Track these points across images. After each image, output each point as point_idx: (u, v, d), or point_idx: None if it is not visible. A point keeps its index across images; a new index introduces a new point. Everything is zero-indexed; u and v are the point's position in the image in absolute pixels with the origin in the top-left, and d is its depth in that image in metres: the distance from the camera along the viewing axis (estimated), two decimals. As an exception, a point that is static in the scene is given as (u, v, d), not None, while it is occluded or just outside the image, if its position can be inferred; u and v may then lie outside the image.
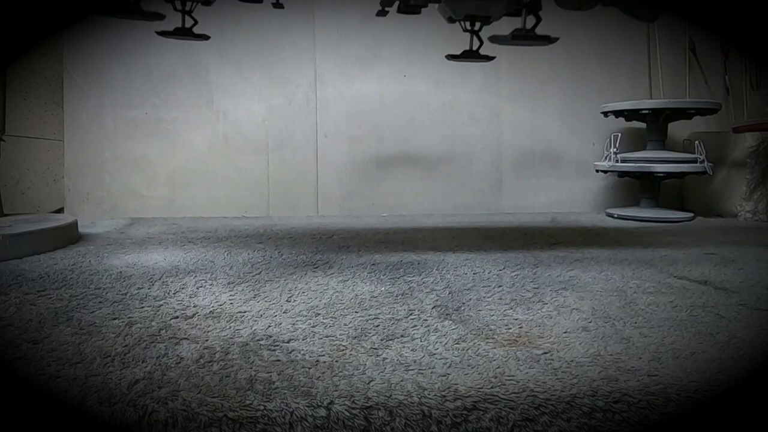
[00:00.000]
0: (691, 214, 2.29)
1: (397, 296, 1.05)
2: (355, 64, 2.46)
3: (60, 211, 2.30)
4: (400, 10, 1.20)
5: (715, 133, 2.48)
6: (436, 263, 1.33)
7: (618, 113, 2.35)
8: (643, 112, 2.25)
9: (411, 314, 0.94)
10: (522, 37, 1.03)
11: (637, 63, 2.65)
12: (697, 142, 2.25)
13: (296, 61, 2.41)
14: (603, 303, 1.02)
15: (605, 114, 2.41)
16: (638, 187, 2.44)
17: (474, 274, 1.24)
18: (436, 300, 1.03)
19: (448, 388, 0.65)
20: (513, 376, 0.69)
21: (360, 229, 1.93)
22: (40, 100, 2.30)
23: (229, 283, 1.13)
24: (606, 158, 2.34)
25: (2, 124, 1.93)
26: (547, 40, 1.02)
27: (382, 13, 1.31)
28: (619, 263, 1.36)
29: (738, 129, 2.38)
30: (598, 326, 0.89)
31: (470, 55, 1.30)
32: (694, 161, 2.22)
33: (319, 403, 0.61)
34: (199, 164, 2.35)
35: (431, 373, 0.70)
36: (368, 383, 0.66)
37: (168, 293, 1.05)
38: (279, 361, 0.73)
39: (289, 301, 1.01)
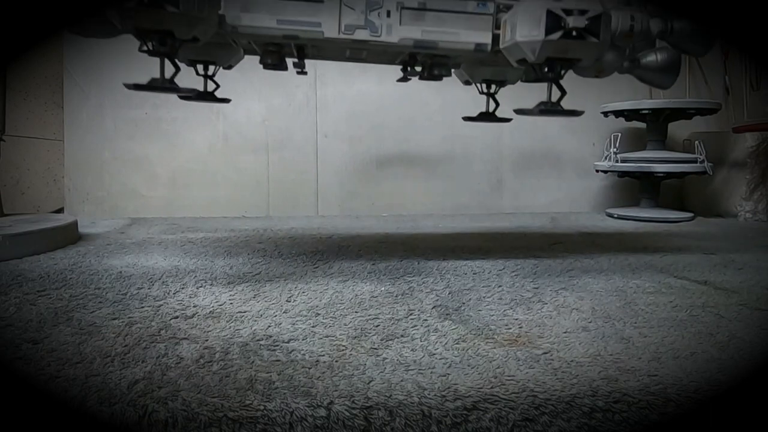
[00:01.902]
0: (691, 214, 2.29)
1: (397, 296, 1.05)
2: (355, 64, 2.45)
3: (60, 211, 2.30)
4: (422, 78, 1.23)
5: (715, 133, 2.48)
6: (436, 263, 1.33)
7: (618, 113, 2.35)
8: (643, 112, 2.25)
9: (411, 314, 0.94)
10: (549, 111, 1.04)
11: (637, 63, 2.65)
12: (697, 142, 2.26)
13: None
14: (603, 303, 1.02)
15: (605, 114, 2.41)
16: (638, 187, 2.44)
17: (474, 274, 1.24)
18: (436, 300, 1.03)
19: (448, 388, 0.65)
20: (513, 376, 0.69)
21: (360, 229, 1.93)
22: (40, 100, 2.30)
23: (229, 283, 1.13)
24: (606, 158, 2.34)
25: (2, 124, 1.93)
26: (574, 113, 1.03)
27: (403, 79, 1.33)
28: (618, 263, 1.36)
29: (738, 129, 2.38)
30: (598, 326, 0.89)
31: (486, 117, 1.32)
32: (694, 161, 2.22)
33: (319, 403, 0.61)
34: (199, 164, 2.35)
35: (431, 373, 0.70)
36: (368, 383, 0.66)
37: (168, 293, 1.05)
38: (279, 361, 0.73)
39: (289, 301, 1.01)
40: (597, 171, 2.42)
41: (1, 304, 0.96)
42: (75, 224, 1.64)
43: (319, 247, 1.55)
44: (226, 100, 1.33)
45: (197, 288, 1.09)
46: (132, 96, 2.29)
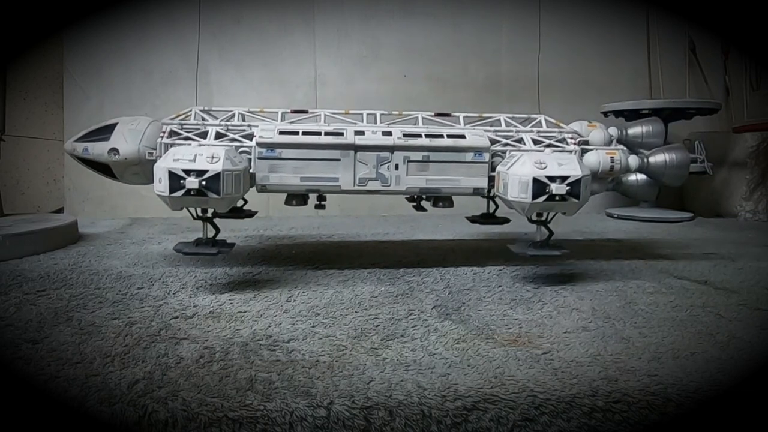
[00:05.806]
0: (691, 214, 2.29)
1: (397, 296, 1.05)
2: (355, 64, 2.46)
3: (60, 211, 2.30)
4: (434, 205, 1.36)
5: (715, 133, 2.48)
6: (436, 263, 1.33)
7: (618, 113, 2.35)
8: (644, 112, 2.25)
9: (411, 314, 0.94)
10: (538, 256, 1.16)
11: (637, 63, 2.65)
12: (697, 142, 2.25)
13: (296, 61, 2.41)
14: (603, 303, 1.02)
15: (605, 114, 2.40)
16: (638, 187, 2.44)
17: (474, 274, 1.24)
18: (436, 300, 1.03)
19: (448, 388, 0.65)
20: (513, 376, 0.69)
21: (360, 229, 1.93)
22: (40, 100, 2.30)
23: (228, 283, 1.13)
24: (606, 158, 2.34)
25: (2, 124, 1.93)
26: (560, 248, 1.16)
27: (410, 200, 1.42)
28: (618, 263, 1.36)
29: (738, 129, 2.38)
30: (598, 326, 0.89)
31: (488, 218, 1.43)
32: (694, 161, 2.21)
33: (319, 403, 0.61)
34: (199, 164, 2.34)
35: (431, 373, 0.70)
36: (368, 383, 0.66)
37: (168, 293, 1.05)
38: (279, 361, 0.73)
39: (289, 301, 1.01)
40: (597, 171, 2.42)
41: (1, 304, 0.96)
42: (75, 224, 1.64)
43: (319, 247, 1.55)
44: (252, 214, 1.42)
45: (197, 288, 1.09)
46: (132, 96, 2.29)
